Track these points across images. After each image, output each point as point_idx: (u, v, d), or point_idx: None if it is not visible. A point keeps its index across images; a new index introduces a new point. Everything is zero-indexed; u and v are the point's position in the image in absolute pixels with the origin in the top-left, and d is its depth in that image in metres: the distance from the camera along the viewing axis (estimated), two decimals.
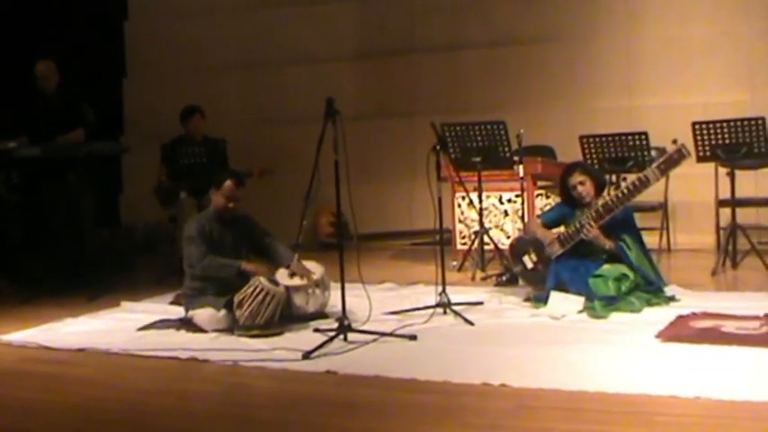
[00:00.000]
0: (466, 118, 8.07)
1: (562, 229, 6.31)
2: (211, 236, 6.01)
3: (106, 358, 5.34)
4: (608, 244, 6.08)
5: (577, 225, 6.11)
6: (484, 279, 7.29)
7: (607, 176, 7.03)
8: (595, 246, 6.10)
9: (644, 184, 5.98)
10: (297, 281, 5.95)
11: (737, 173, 7.32)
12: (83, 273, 7.49)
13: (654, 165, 6.00)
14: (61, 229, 7.77)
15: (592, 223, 6.04)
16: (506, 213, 7.98)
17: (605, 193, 6.32)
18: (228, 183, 6.04)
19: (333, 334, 5.35)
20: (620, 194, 6.05)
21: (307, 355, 5.02)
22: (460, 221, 8.16)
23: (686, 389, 4.07)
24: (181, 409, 4.40)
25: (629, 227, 6.23)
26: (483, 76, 9.81)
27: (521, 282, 6.60)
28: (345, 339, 5.32)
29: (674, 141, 6.16)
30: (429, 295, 6.19)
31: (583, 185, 6.22)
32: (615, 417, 3.86)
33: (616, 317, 5.69)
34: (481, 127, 7.57)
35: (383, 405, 4.25)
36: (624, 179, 6.45)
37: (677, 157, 5.92)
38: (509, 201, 7.96)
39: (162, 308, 6.63)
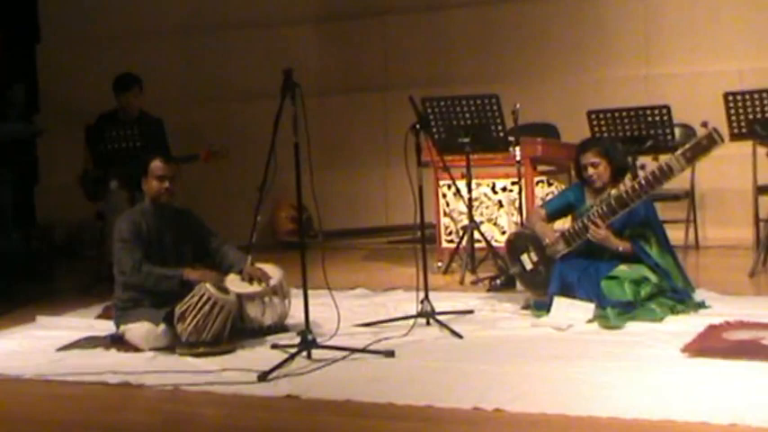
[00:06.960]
0: (451, 91, 8.10)
1: (569, 221, 6.31)
2: (148, 235, 5.97)
3: (18, 386, 5.30)
4: (621, 245, 6.06)
5: (582, 223, 6.08)
6: (474, 283, 7.32)
7: None
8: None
9: (666, 174, 5.91)
10: (250, 287, 5.94)
11: None
12: None
13: (678, 152, 5.93)
14: None
15: (599, 222, 6.01)
16: (501, 204, 7.99)
17: (627, 178, 6.26)
18: (155, 161, 6.01)
19: (294, 351, 5.34)
20: (636, 186, 5.97)
21: (263, 377, 5.00)
22: (446, 215, 8.17)
23: (719, 414, 4.08)
24: None
25: (651, 225, 6.20)
26: (471, 41, 9.83)
27: (519, 286, 6.62)
28: (309, 357, 5.32)
29: (704, 125, 6.15)
30: (409, 303, 6.20)
31: (594, 167, 6.19)
32: None
33: (633, 327, 5.70)
34: (470, 101, 7.58)
35: None
36: (642, 167, 6.40)
37: (707, 144, 5.83)
38: (504, 189, 7.97)
39: (87, 323, 6.61)
